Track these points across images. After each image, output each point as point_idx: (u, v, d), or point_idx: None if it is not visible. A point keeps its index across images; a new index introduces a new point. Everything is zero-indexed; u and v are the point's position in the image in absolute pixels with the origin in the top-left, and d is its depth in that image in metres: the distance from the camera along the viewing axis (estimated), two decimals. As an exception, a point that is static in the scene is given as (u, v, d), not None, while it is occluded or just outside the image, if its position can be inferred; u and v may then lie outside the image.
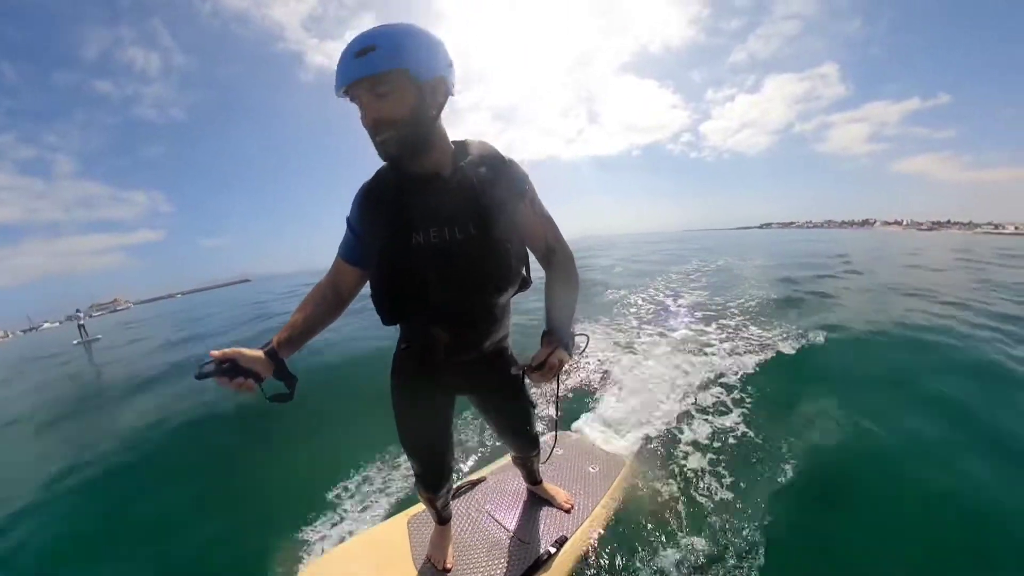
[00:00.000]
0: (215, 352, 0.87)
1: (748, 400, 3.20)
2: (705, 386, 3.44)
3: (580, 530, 1.83)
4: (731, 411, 3.04)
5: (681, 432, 2.77)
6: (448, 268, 1.03)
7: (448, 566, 1.65)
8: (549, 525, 1.84)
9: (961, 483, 2.22)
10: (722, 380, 3.54)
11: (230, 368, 0.88)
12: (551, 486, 2.00)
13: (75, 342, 15.49)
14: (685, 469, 2.40)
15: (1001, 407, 2.97)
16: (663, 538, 1.91)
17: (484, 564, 1.68)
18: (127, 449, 3.58)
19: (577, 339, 1.08)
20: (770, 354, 4.11)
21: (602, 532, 1.92)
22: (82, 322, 16.26)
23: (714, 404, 3.16)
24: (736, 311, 6.15)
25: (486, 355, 1.25)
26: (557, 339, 1.02)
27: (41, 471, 3.30)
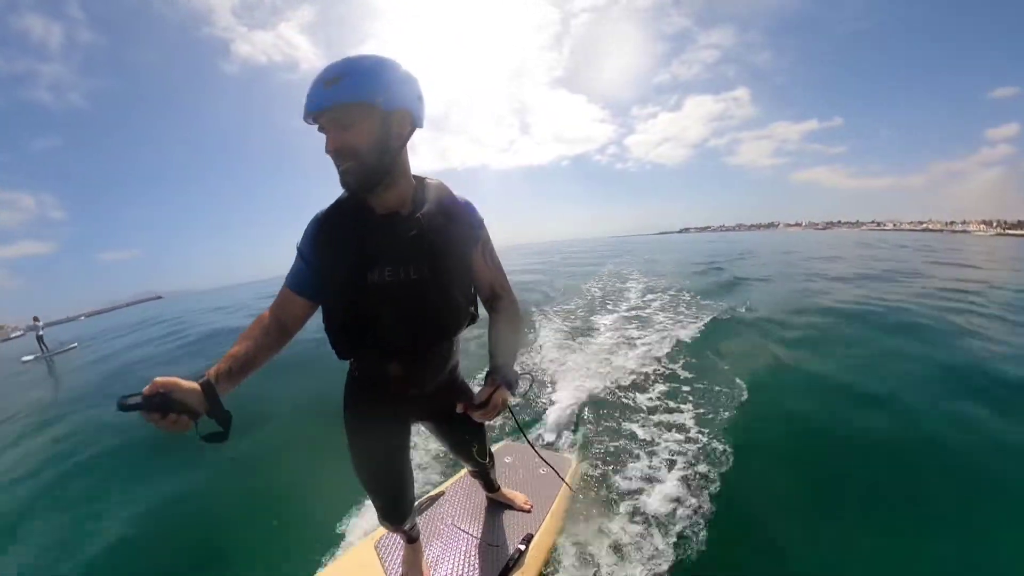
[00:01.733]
0: (146, 388, 0.76)
1: (675, 377, 3.70)
2: (634, 371, 3.88)
3: (544, 525, 1.90)
4: (663, 388, 3.50)
5: (618, 421, 3.06)
6: (402, 307, 1.04)
7: None
8: (514, 526, 1.90)
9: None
10: (648, 362, 4.07)
11: (160, 402, 0.77)
12: (509, 491, 2.06)
13: (27, 359, 12.48)
14: (625, 454, 2.64)
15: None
16: (617, 518, 2.10)
17: (460, 573, 1.70)
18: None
19: (520, 379, 1.10)
20: (685, 332, 4.93)
21: (563, 524, 2.05)
22: (41, 332, 13.34)
23: (643, 382, 3.63)
24: (659, 296, 7.38)
25: (437, 385, 1.28)
26: (500, 378, 1.04)
27: None
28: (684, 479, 2.31)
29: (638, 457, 2.56)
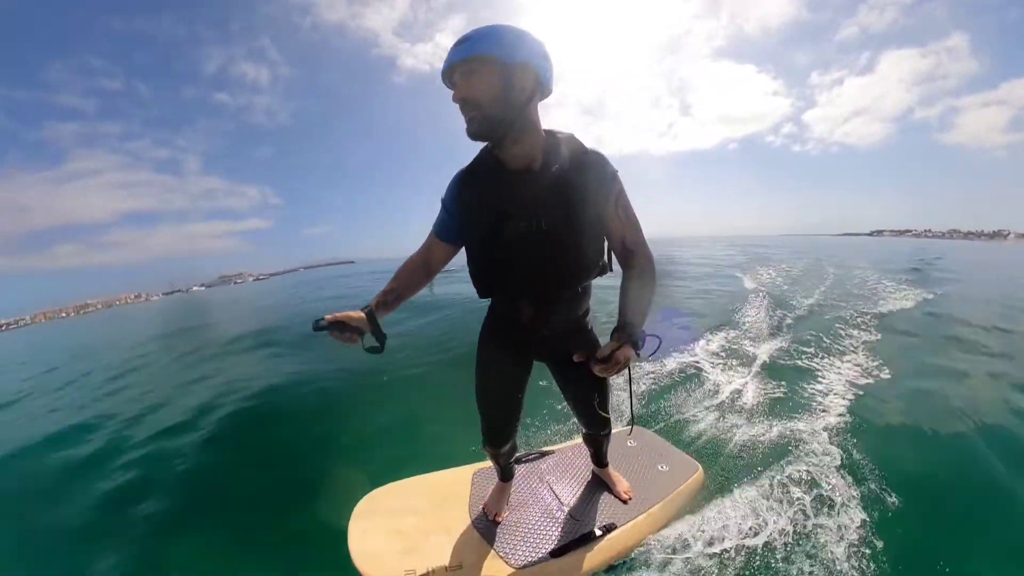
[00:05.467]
0: (328, 316, 1.08)
1: (850, 416, 2.77)
2: (801, 393, 3.16)
3: (633, 523, 1.81)
4: (833, 424, 2.67)
5: (771, 442, 2.48)
6: (534, 256, 1.13)
7: (499, 519, 1.77)
8: (603, 509, 1.87)
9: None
10: (819, 388, 3.24)
11: (339, 325, 1.09)
12: (615, 473, 2.00)
13: None
14: (766, 483, 2.11)
15: None
16: (719, 554, 1.71)
17: (533, 526, 1.76)
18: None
19: (649, 340, 1.09)
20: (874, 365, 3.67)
21: (655, 530, 1.83)
22: None
23: (811, 411, 2.86)
24: (847, 316, 5.54)
25: (566, 329, 1.35)
26: (626, 336, 1.05)
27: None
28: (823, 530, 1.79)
29: (776, 484, 2.06)
